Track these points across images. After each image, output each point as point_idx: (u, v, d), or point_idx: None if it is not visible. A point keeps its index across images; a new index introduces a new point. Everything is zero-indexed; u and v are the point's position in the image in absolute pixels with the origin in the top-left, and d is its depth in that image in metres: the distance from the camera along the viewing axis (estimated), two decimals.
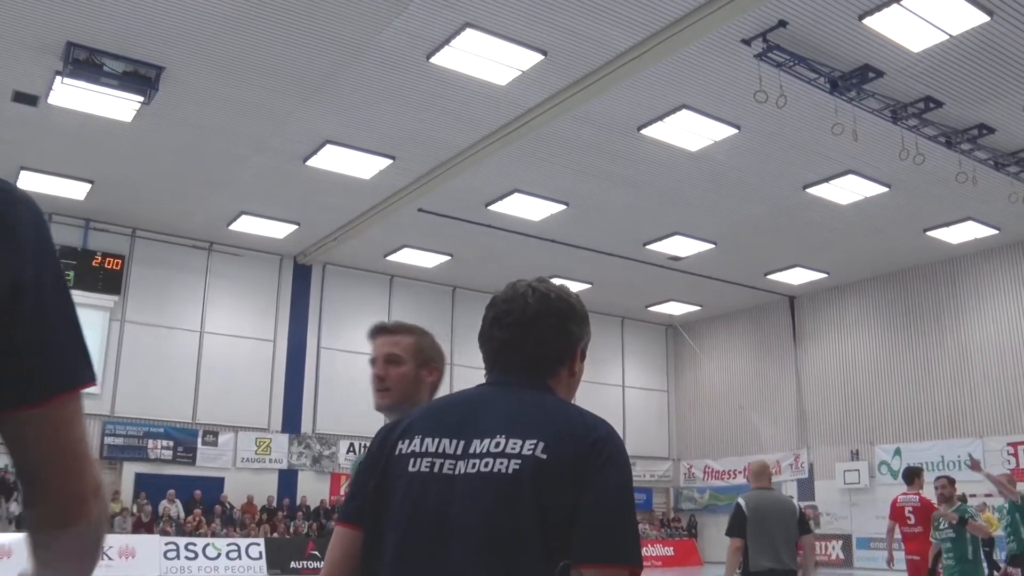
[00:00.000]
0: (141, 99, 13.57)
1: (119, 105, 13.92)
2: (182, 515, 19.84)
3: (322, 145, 15.67)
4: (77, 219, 19.65)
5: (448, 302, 24.73)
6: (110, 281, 20.12)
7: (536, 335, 1.89)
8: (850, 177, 16.58)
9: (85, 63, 12.49)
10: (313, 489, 22.32)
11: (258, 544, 19.58)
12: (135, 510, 19.48)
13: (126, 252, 20.61)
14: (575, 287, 23.20)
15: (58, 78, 12.90)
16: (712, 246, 20.79)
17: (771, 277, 23.55)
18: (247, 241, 21.42)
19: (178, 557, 18.49)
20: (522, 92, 13.61)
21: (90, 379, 1.22)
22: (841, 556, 23.40)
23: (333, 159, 16.24)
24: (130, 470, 20.35)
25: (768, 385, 26.32)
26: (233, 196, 18.56)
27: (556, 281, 1.99)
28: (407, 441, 1.84)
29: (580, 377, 1.98)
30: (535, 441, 1.72)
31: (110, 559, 17.40)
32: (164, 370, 20.80)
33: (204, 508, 20.14)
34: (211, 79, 13.44)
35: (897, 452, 22.60)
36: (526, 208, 18.57)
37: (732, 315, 27.41)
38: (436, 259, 22.41)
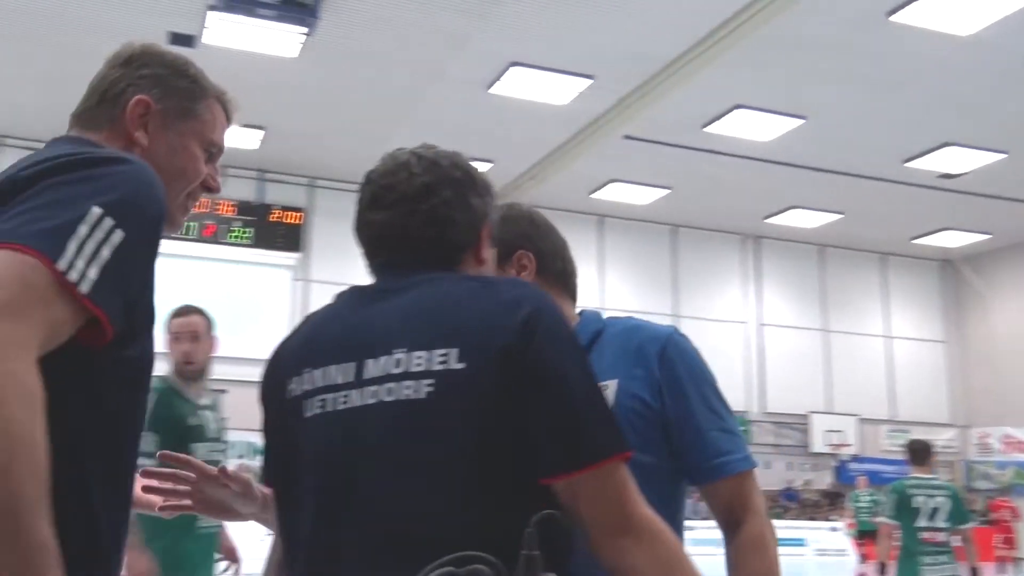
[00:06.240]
0: (304, 30, 13.96)
1: (282, 39, 14.40)
2: None
3: (507, 68, 15.66)
4: (250, 171, 20.72)
5: (667, 243, 24.56)
6: (290, 237, 21.21)
7: (429, 212, 1.72)
8: None
9: None
10: None
11: None
12: None
13: (305, 205, 21.72)
14: (821, 219, 22.92)
15: (210, 13, 13.49)
16: (1002, 156, 19.16)
17: None
18: None
19: None
20: None
21: None
22: None
23: (521, 84, 16.21)
24: None
25: None
26: (412, 135, 18.06)
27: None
28: (296, 378, 1.66)
29: (489, 265, 1.84)
30: (445, 350, 1.52)
31: None
32: None
33: None
34: (375, 1, 13.67)
35: None
36: (753, 127, 17.94)
37: None
38: (651, 194, 22.04)
